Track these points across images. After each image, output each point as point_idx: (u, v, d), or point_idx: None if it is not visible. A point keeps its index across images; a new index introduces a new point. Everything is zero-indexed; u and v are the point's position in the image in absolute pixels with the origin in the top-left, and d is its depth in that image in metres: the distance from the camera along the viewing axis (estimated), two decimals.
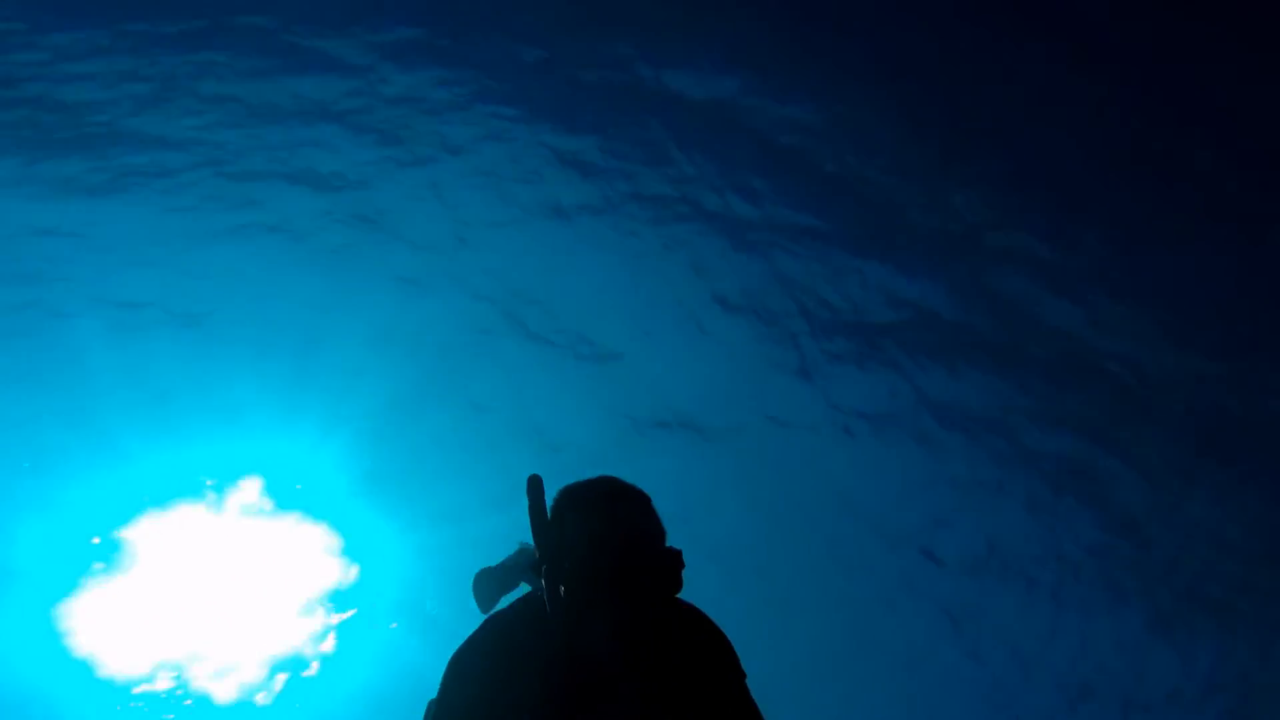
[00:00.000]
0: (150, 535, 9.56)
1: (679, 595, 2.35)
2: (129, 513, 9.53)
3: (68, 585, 9.49)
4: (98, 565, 9.50)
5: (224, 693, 9.90)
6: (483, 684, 2.28)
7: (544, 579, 2.25)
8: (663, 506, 2.34)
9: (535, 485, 2.33)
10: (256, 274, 9.28)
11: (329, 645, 10.30)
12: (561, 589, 2.19)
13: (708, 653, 2.45)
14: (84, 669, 9.59)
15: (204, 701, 9.94)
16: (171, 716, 9.95)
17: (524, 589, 3.80)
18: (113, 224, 8.81)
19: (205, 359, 9.48)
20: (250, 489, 9.73)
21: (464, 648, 2.39)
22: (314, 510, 9.92)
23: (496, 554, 3.97)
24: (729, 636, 2.52)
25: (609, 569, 2.17)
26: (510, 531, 3.93)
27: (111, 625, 9.53)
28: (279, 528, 9.81)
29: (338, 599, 10.17)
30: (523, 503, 2.31)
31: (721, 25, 8.31)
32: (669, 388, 9.98)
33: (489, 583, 3.86)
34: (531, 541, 3.40)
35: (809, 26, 8.23)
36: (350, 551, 10.10)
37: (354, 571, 10.17)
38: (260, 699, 10.10)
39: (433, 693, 2.39)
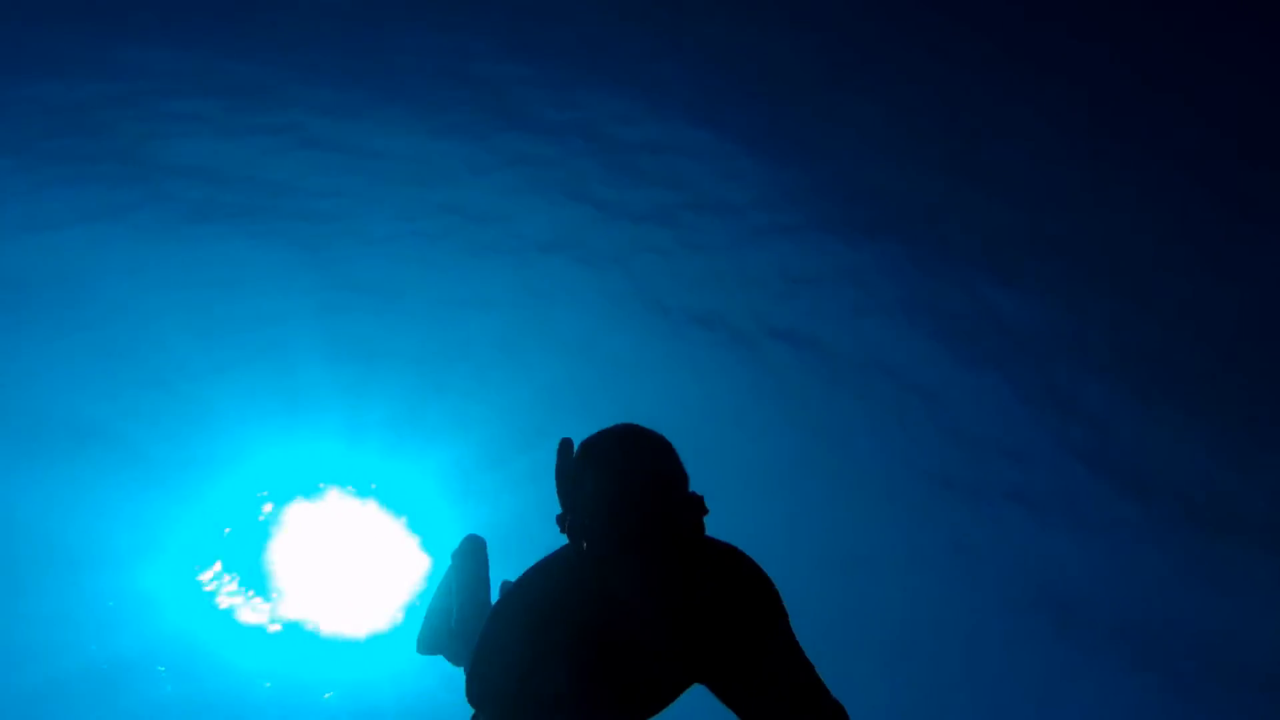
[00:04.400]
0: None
1: (717, 537, 2.36)
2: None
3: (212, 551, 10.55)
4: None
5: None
6: (516, 648, 2.33)
7: (569, 536, 2.29)
8: None
9: (565, 448, 2.35)
10: None
11: None
12: (585, 545, 2.21)
13: (746, 594, 2.39)
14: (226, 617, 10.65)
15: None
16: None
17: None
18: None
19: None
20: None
21: (497, 609, 2.44)
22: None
23: None
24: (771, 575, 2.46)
25: (626, 522, 2.14)
26: None
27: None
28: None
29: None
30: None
31: None
32: None
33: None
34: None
35: None
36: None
37: None
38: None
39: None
